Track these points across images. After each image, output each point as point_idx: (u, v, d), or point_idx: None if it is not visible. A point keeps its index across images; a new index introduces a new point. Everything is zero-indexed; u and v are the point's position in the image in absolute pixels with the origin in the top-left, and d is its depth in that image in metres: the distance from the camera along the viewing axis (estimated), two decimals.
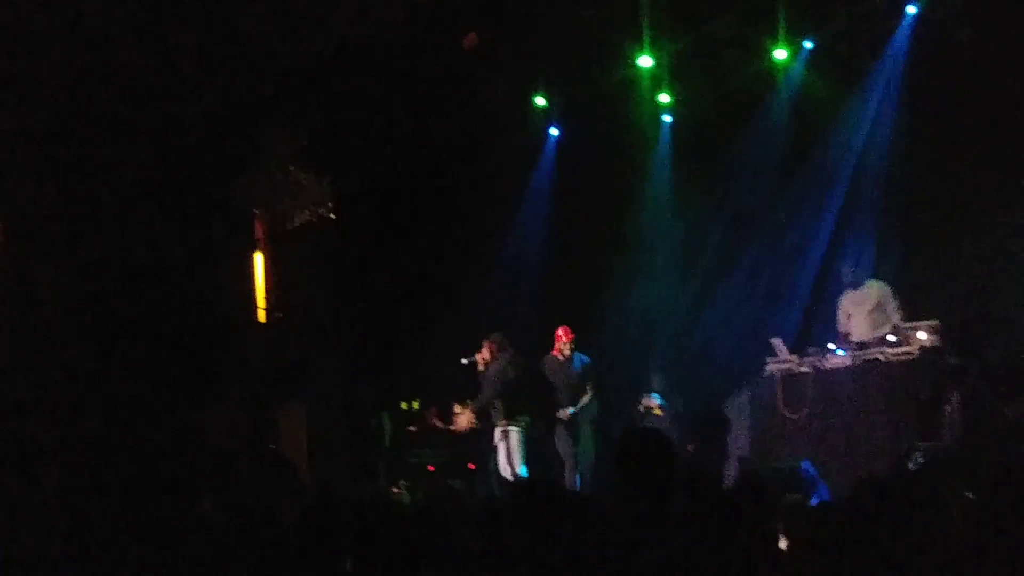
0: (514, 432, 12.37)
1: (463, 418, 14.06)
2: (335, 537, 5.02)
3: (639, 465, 4.79)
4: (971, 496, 5.43)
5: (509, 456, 12.34)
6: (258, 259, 14.76)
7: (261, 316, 14.60)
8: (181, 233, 13.70)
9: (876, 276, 11.82)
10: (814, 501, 8.67)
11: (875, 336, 11.15)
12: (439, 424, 14.83)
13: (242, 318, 14.44)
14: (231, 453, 12.56)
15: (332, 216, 14.22)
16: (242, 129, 14.14)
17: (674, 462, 4.82)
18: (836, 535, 4.34)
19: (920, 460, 9.13)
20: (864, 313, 11.36)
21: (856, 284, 11.64)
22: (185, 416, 13.12)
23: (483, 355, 12.71)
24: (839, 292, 11.85)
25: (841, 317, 11.63)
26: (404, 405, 15.47)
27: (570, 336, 12.67)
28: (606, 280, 15.16)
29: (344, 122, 14.49)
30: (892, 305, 11.37)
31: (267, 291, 14.64)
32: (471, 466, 14.01)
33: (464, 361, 12.96)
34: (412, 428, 14.99)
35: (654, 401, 13.74)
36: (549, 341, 14.24)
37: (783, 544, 4.80)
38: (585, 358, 12.77)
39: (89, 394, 12.42)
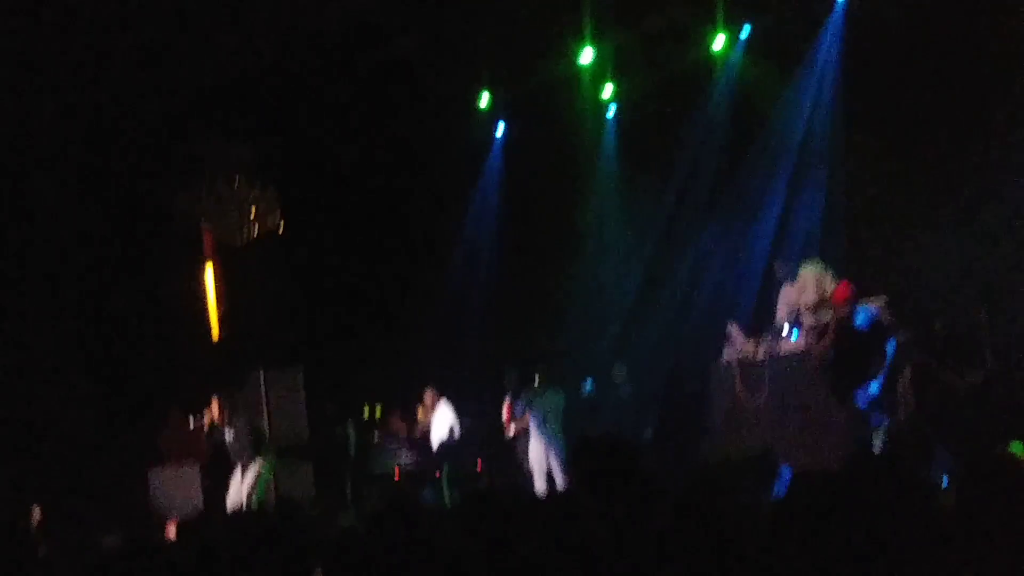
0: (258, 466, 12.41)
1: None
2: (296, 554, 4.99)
3: (594, 472, 4.83)
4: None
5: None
6: (209, 273, 14.70)
7: (214, 332, 14.54)
8: (127, 249, 13.63)
9: (812, 258, 11.80)
10: (777, 489, 8.75)
11: (827, 316, 11.16)
12: (403, 431, 14.81)
13: (194, 333, 14.39)
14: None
15: (282, 227, 14.18)
16: (184, 143, 14.07)
17: (631, 466, 4.85)
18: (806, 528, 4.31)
19: (884, 441, 9.16)
20: (811, 304, 11.35)
21: (791, 277, 11.62)
22: (137, 433, 13.10)
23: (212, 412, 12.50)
24: (777, 287, 11.85)
25: (782, 310, 11.61)
26: (367, 412, 15.44)
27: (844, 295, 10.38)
28: (559, 273, 15.21)
29: (289, 132, 14.44)
30: (828, 280, 11.36)
31: (219, 306, 14.58)
32: (438, 475, 14.05)
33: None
34: (377, 435, 14.96)
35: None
36: (500, 341, 14.31)
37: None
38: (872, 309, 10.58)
39: (35, 415, 12.38)
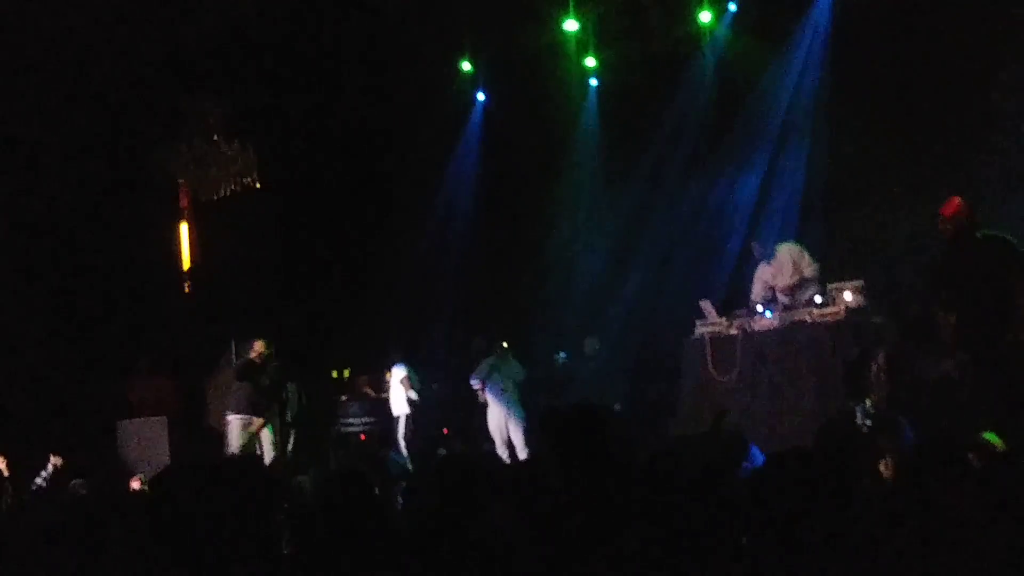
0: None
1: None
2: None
3: (561, 440, 4.81)
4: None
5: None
6: (183, 229, 14.61)
7: (186, 286, 14.46)
8: (102, 203, 13.52)
9: (795, 239, 11.83)
10: (745, 467, 8.76)
11: (802, 298, 11.19)
12: (370, 392, 14.79)
13: (166, 288, 14.30)
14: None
15: (258, 185, 14.07)
16: (164, 98, 13.94)
17: (599, 436, 4.84)
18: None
19: (868, 422, 9.10)
20: (787, 286, 11.36)
21: (768, 257, 11.62)
22: (107, 386, 13.02)
23: (257, 350, 12.09)
24: (753, 266, 11.85)
25: (757, 288, 11.61)
26: (335, 374, 15.39)
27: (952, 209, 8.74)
28: (535, 244, 15.18)
29: (269, 91, 14.33)
30: (805, 262, 11.39)
31: (192, 261, 14.50)
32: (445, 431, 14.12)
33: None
34: (344, 397, 14.94)
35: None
36: (473, 308, 14.28)
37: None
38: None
39: (3, 364, 12.29)
